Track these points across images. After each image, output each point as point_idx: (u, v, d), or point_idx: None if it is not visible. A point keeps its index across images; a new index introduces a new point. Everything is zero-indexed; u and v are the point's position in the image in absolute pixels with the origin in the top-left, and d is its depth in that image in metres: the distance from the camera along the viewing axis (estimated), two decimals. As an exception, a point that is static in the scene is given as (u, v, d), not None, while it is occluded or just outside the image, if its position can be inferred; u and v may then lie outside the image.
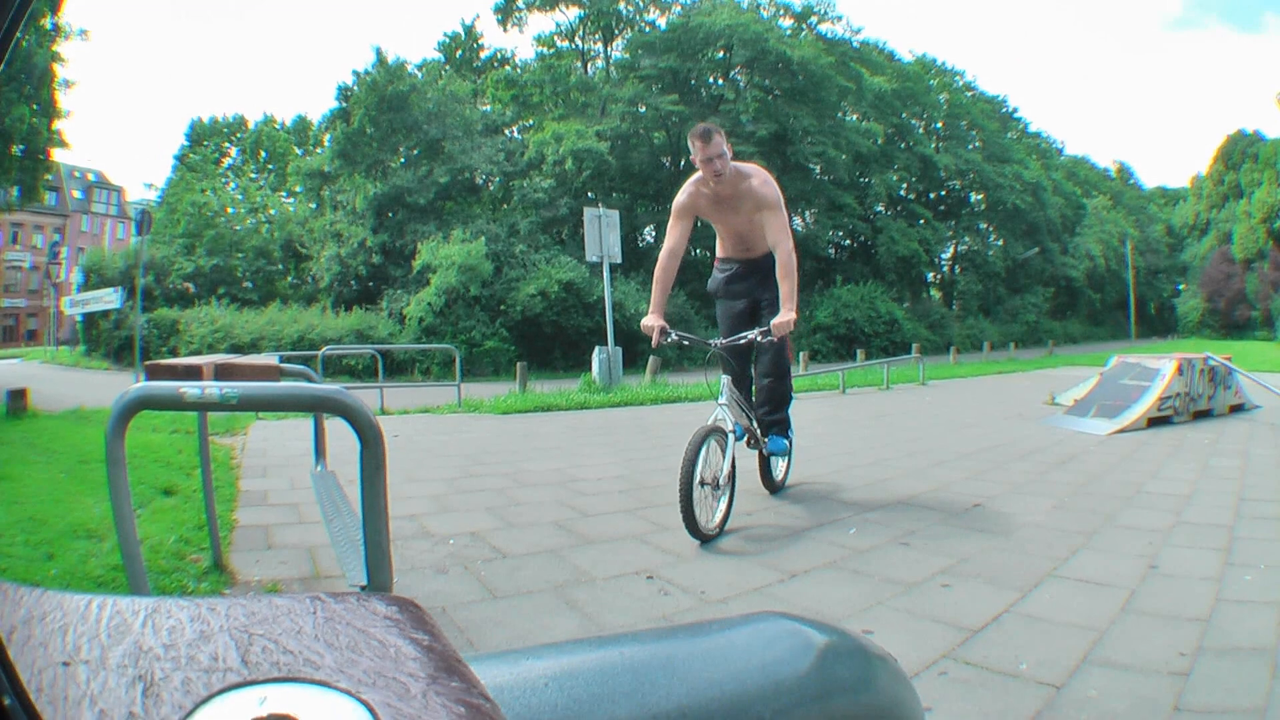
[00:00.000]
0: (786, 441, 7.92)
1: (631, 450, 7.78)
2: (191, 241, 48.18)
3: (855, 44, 69.34)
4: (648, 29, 61.45)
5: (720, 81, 62.08)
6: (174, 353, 37.15)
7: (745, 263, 7.66)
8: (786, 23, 65.87)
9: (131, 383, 3.12)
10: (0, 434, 11.52)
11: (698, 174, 7.14)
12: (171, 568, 5.23)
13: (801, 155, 59.33)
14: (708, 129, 6.90)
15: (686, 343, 7.23)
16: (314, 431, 5.97)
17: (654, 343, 6.85)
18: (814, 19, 66.92)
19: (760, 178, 7.16)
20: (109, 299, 39.23)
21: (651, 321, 6.84)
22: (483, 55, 66.90)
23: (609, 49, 63.34)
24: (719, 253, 7.87)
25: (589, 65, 63.42)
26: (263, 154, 70.91)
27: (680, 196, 7.27)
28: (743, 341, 7.18)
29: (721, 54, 60.03)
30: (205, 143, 68.24)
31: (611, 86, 57.73)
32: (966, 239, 76.53)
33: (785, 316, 6.91)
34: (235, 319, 41.91)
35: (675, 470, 6.42)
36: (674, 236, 7.23)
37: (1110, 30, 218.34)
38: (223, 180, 60.61)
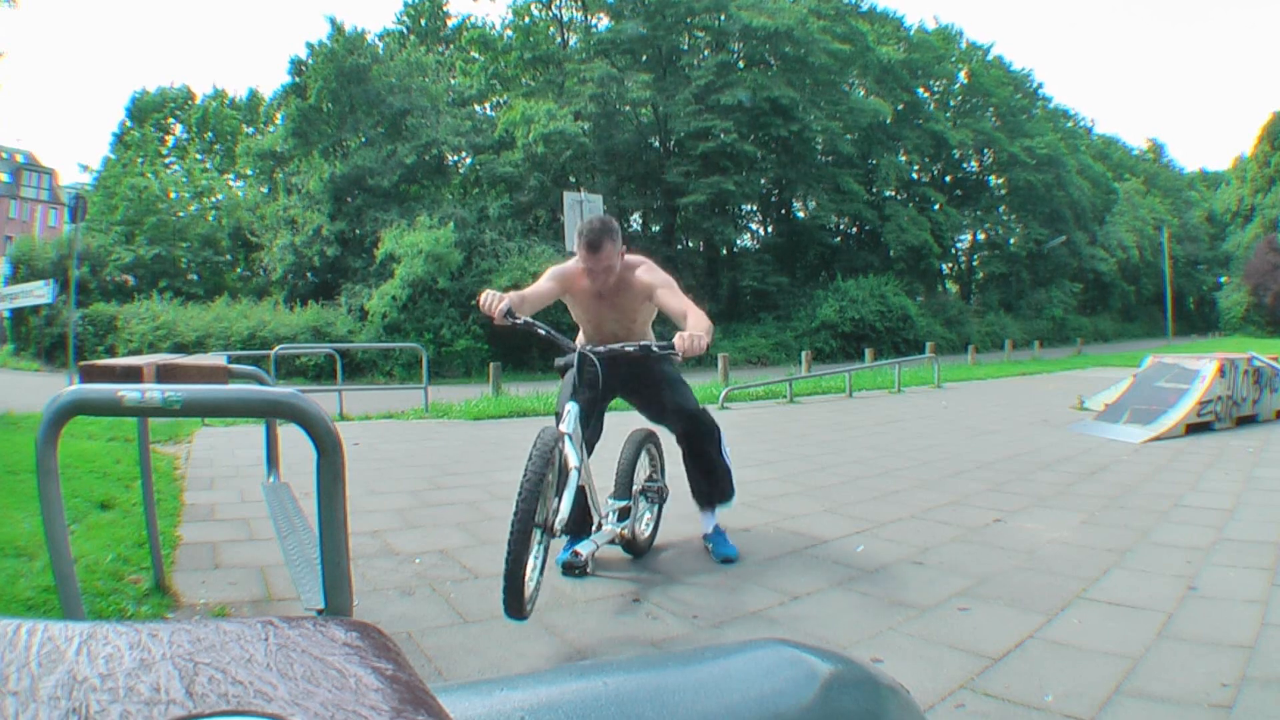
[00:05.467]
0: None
1: (615, 459, 7.72)
2: (131, 229, 47.95)
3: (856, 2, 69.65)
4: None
5: (707, 53, 61.94)
6: (111, 352, 37.05)
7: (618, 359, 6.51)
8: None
9: (65, 385, 3.11)
10: (-82, 442, 11.48)
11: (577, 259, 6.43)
12: (109, 589, 5.21)
13: (803, 131, 59.41)
14: (597, 237, 6.15)
15: (542, 332, 6.07)
16: (266, 439, 5.97)
17: (495, 315, 5.65)
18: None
19: (645, 264, 6.48)
20: (39, 293, 38.88)
21: (492, 298, 5.74)
22: (449, 24, 66.99)
23: (589, 18, 63.27)
24: (581, 341, 6.91)
25: (567, 34, 63.39)
26: (209, 133, 70.65)
27: (563, 266, 6.68)
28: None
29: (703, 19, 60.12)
30: (147, 119, 67.91)
31: (579, 64, 57.57)
32: (985, 224, 76.57)
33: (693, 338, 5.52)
34: (179, 315, 41.81)
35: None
36: (533, 288, 6.47)
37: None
38: (165, 162, 60.37)
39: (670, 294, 6.25)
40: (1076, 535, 6.99)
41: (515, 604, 4.66)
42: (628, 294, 6.42)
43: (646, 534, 6.57)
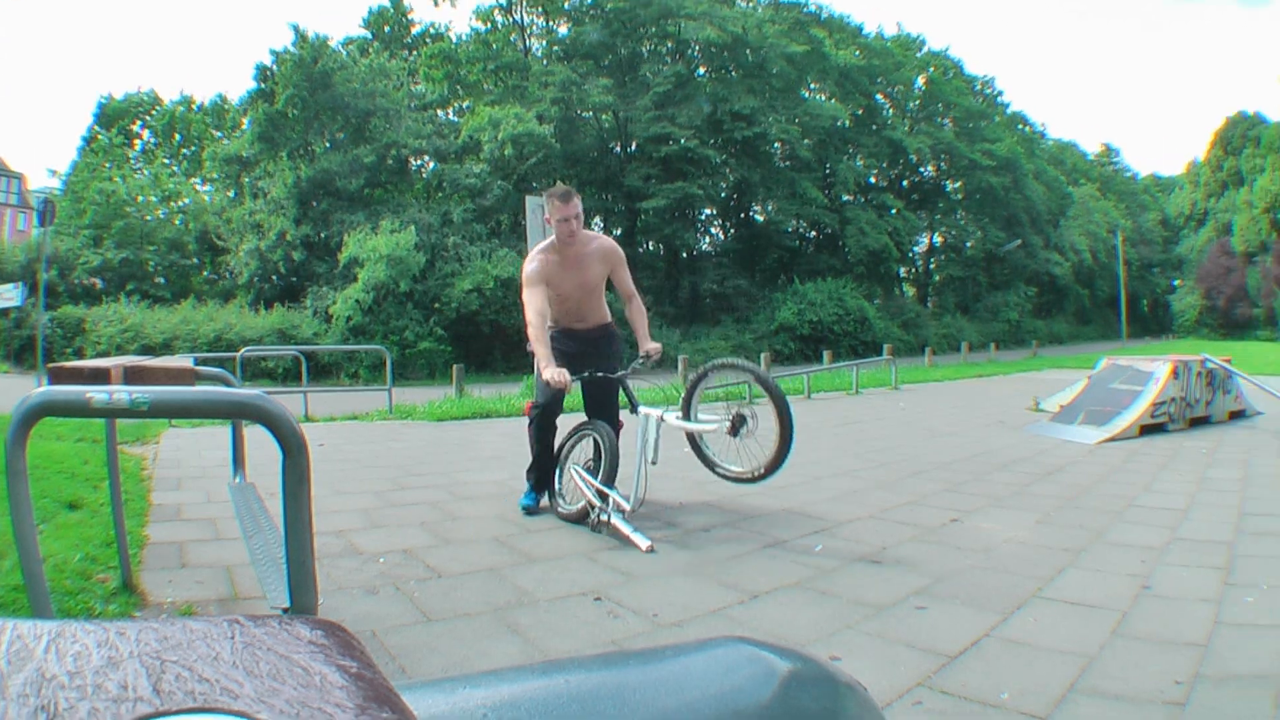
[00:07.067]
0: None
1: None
2: (99, 233, 47.74)
3: (813, 9, 70.01)
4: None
5: (668, 60, 61.99)
6: (79, 354, 36.82)
7: (579, 335, 8.27)
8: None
9: (33, 387, 3.09)
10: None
11: (546, 241, 8.00)
12: (77, 588, 5.16)
13: (763, 134, 59.49)
14: (569, 190, 7.84)
15: (600, 374, 7.90)
16: (232, 440, 5.93)
17: (569, 387, 7.24)
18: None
19: (607, 240, 8.29)
20: (8, 296, 38.53)
21: (560, 375, 7.04)
22: (413, 31, 67.05)
23: (551, 24, 63.34)
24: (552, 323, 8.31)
25: (529, 40, 63.46)
26: (177, 137, 70.31)
27: (530, 265, 7.86)
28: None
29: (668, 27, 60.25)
30: (115, 124, 67.55)
31: (543, 69, 57.68)
32: (943, 228, 76.92)
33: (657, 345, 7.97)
34: (146, 317, 41.63)
35: (626, 481, 6.78)
36: (537, 299, 7.63)
37: (1100, 4, 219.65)
38: (133, 166, 60.10)
39: (626, 272, 8.18)
40: (1032, 535, 7.00)
41: None
42: (588, 260, 7.98)
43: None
